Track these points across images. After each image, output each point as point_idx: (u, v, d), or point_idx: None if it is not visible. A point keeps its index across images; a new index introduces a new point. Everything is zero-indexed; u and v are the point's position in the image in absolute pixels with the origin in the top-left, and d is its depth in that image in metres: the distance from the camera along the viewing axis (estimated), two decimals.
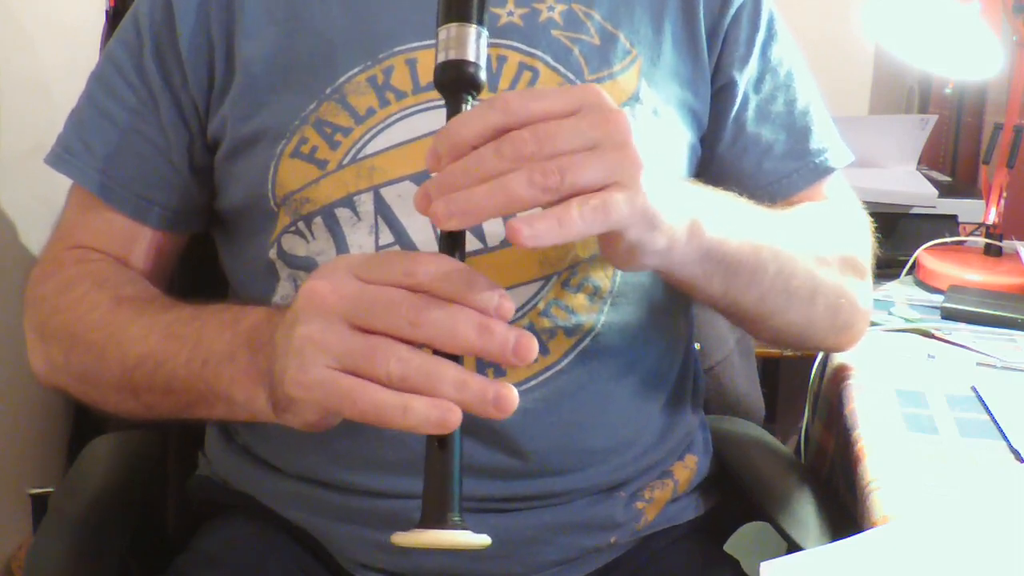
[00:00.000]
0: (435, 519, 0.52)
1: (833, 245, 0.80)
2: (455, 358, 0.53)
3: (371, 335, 0.53)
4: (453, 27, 0.56)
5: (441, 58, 0.57)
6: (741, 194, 0.74)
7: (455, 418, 0.52)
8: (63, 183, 0.83)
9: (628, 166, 0.55)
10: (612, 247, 0.61)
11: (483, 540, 0.53)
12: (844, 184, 0.89)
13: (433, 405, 0.52)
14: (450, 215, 0.52)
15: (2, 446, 1.19)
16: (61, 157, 0.81)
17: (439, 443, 0.54)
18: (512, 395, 0.52)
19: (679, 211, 0.62)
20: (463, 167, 0.53)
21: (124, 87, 0.80)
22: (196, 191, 0.82)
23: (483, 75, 0.57)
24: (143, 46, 0.79)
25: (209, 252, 0.87)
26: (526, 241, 0.51)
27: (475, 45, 0.56)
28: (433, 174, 0.55)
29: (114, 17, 1.11)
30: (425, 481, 0.54)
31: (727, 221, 0.68)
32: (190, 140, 0.80)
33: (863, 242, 0.85)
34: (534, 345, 0.53)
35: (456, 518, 0.53)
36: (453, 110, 0.57)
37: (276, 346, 0.59)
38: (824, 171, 0.85)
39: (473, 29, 0.56)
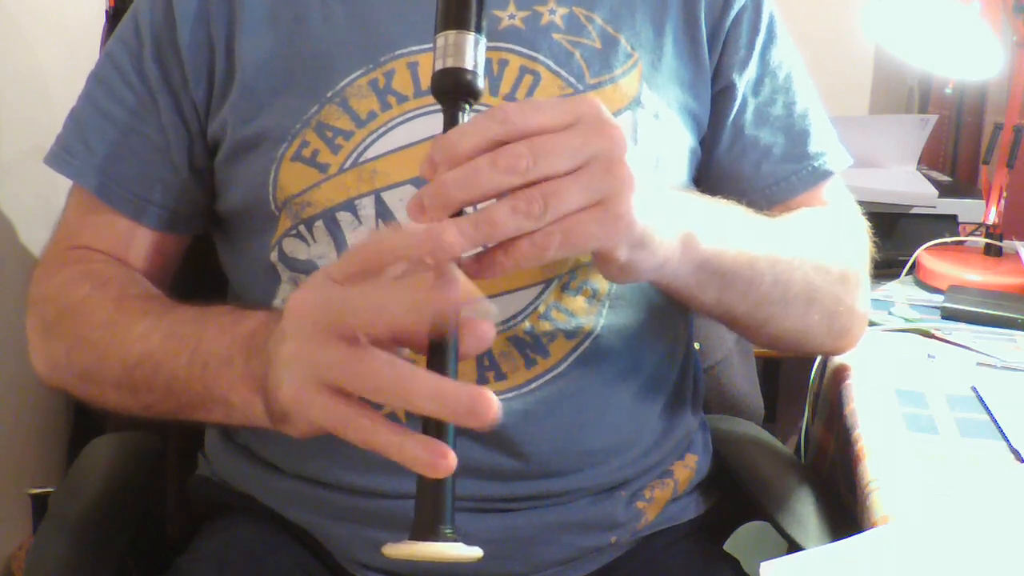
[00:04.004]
0: (427, 531, 0.52)
1: (830, 251, 0.80)
2: (444, 368, 0.53)
3: (350, 345, 0.52)
4: (451, 34, 0.56)
5: (439, 65, 0.57)
6: (739, 197, 0.74)
7: (446, 465, 0.51)
8: (63, 183, 0.83)
9: (618, 184, 0.55)
10: (604, 265, 0.61)
11: (474, 553, 0.53)
12: (843, 188, 0.88)
13: (426, 448, 0.51)
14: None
15: (2, 446, 1.19)
16: (60, 157, 0.81)
17: None
18: (492, 403, 0.50)
19: (673, 225, 0.62)
20: (457, 177, 0.53)
21: (124, 87, 0.80)
22: (196, 192, 0.82)
23: (480, 82, 0.57)
24: (143, 46, 0.79)
25: (209, 252, 0.87)
26: (475, 276, 0.52)
27: (473, 53, 0.56)
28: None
29: (114, 17, 1.11)
30: (417, 492, 0.53)
31: (723, 231, 0.68)
32: (190, 141, 0.80)
33: (860, 247, 0.85)
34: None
35: (448, 531, 0.52)
36: (450, 118, 0.57)
37: (269, 354, 0.59)
38: (822, 175, 0.85)
39: (471, 37, 0.56)
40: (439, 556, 0.52)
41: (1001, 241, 1.26)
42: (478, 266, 0.53)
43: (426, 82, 0.74)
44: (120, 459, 0.88)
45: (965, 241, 1.31)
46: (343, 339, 0.52)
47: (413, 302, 0.51)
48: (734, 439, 0.95)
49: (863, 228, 0.87)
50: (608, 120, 0.56)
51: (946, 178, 1.47)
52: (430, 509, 0.53)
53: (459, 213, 0.55)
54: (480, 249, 0.55)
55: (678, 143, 0.81)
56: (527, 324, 0.75)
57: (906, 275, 1.26)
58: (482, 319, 0.52)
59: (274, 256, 0.77)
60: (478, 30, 0.56)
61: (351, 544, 0.78)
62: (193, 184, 0.81)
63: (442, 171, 0.54)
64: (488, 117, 0.54)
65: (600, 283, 0.77)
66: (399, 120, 0.74)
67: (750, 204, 0.75)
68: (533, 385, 0.75)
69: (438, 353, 0.53)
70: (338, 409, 0.53)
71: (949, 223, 1.31)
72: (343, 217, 0.74)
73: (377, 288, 0.52)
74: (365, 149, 0.74)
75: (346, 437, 0.53)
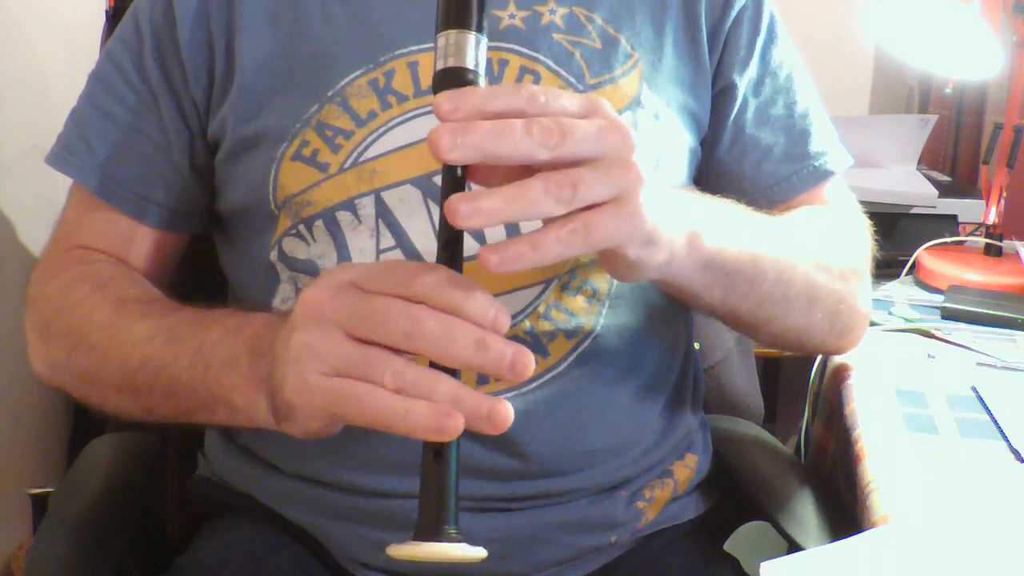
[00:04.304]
0: (431, 531, 0.52)
1: (832, 249, 0.80)
2: (452, 370, 0.53)
3: (368, 346, 0.54)
4: (452, 34, 0.56)
5: (440, 65, 0.56)
6: (740, 197, 0.74)
7: (454, 424, 0.51)
8: (63, 183, 0.83)
9: (630, 182, 0.55)
10: (612, 263, 0.61)
11: (478, 553, 0.53)
12: (844, 187, 0.88)
13: (433, 410, 0.52)
14: (471, 214, 0.51)
15: (2, 446, 1.19)
16: (61, 157, 0.81)
17: (435, 454, 0.54)
18: (506, 410, 0.52)
19: (678, 223, 0.62)
20: (495, 128, 0.51)
21: (124, 86, 0.80)
22: (196, 191, 0.82)
23: (482, 82, 0.57)
24: (143, 45, 0.79)
25: (209, 252, 0.87)
26: (494, 269, 0.52)
27: (474, 52, 0.56)
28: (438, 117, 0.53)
29: (114, 17, 1.11)
30: (421, 492, 0.54)
31: (726, 230, 0.68)
32: (190, 139, 0.80)
33: (862, 245, 0.85)
34: (530, 360, 0.53)
35: (452, 531, 0.52)
36: None
37: (276, 353, 0.59)
38: (823, 174, 0.85)
39: (472, 36, 0.56)
40: (444, 556, 0.52)
41: (1001, 241, 1.26)
42: (501, 257, 0.52)
43: (426, 82, 0.74)
44: (120, 459, 0.88)
45: (965, 241, 1.31)
46: (358, 340, 0.54)
47: (448, 349, 0.52)
48: (734, 439, 0.95)
49: (865, 227, 0.87)
50: (618, 119, 0.56)
51: (946, 178, 1.47)
52: (434, 509, 0.53)
53: (462, 183, 0.54)
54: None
55: (678, 143, 0.81)
56: (527, 324, 0.75)
57: (906, 275, 1.26)
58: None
59: (274, 255, 0.77)
60: (479, 30, 0.56)
61: (351, 544, 0.78)
62: (194, 183, 0.81)
63: (461, 115, 0.52)
64: (515, 89, 0.54)
65: (600, 283, 0.77)
66: (399, 120, 0.74)
67: (751, 204, 0.75)
68: (533, 385, 0.75)
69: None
70: (340, 386, 0.53)
71: (949, 223, 1.31)
72: (343, 216, 0.74)
73: (410, 317, 0.53)
74: (365, 149, 0.74)
75: (352, 414, 0.54)
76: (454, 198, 0.51)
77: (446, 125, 0.52)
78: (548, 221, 0.54)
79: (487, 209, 0.51)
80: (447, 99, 0.52)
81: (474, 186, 0.55)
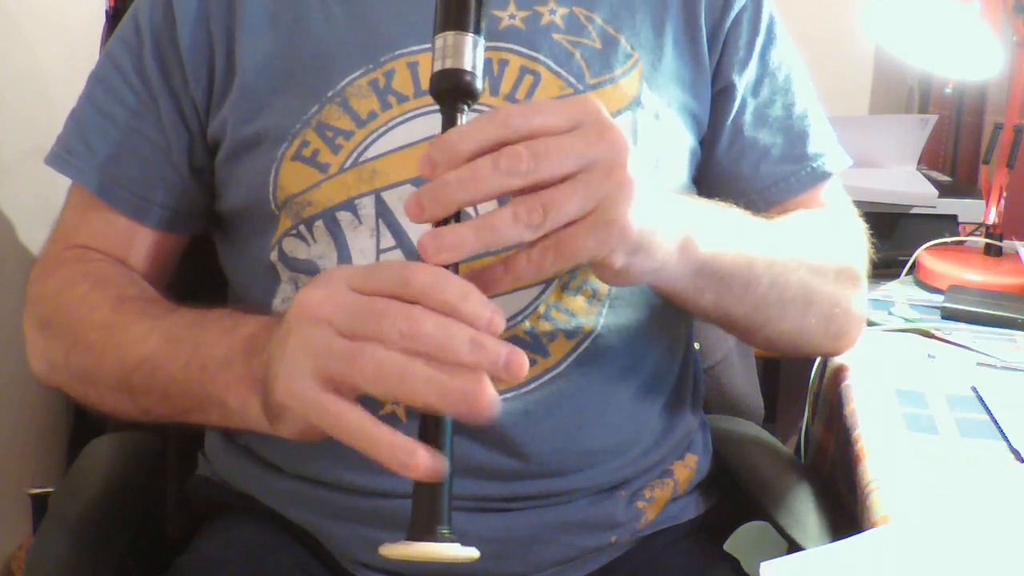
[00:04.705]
0: (424, 531, 0.53)
1: (827, 253, 0.80)
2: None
3: (355, 340, 0.53)
4: (450, 35, 0.56)
5: (437, 67, 0.57)
6: (738, 198, 0.74)
7: (427, 466, 0.51)
8: (63, 183, 0.83)
9: (615, 189, 0.55)
10: (600, 269, 0.61)
11: (471, 553, 0.53)
12: (841, 189, 0.88)
13: (400, 447, 0.51)
14: (438, 250, 0.53)
15: (2, 446, 1.19)
16: (61, 157, 0.81)
17: None
18: (490, 398, 0.51)
19: (671, 228, 0.62)
20: (459, 177, 0.53)
21: (124, 87, 0.80)
22: (196, 192, 0.82)
23: (479, 84, 0.57)
24: (143, 46, 0.79)
25: (209, 252, 0.87)
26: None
27: (471, 54, 0.56)
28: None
29: (114, 17, 1.11)
30: (414, 492, 0.54)
31: (721, 234, 0.68)
32: (190, 140, 0.80)
33: (858, 249, 0.85)
34: (525, 361, 0.53)
35: (445, 531, 0.53)
36: (449, 119, 0.58)
37: (271, 355, 0.59)
38: (821, 176, 0.85)
39: (470, 38, 0.56)
40: (436, 556, 0.52)
41: (1001, 241, 1.26)
42: (478, 282, 0.54)
43: (426, 82, 0.74)
44: (120, 459, 0.88)
45: (965, 241, 1.31)
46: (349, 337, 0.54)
47: (443, 348, 0.52)
48: (734, 439, 0.95)
49: (860, 230, 0.87)
50: (609, 123, 0.56)
51: (946, 178, 1.47)
52: (427, 509, 0.53)
53: (458, 216, 0.55)
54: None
55: (678, 143, 0.81)
56: (527, 324, 0.75)
57: (906, 275, 1.26)
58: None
59: (274, 256, 0.77)
60: (477, 31, 0.56)
61: (351, 544, 0.78)
62: (194, 184, 0.81)
63: (441, 171, 0.54)
64: (489, 119, 0.54)
65: (600, 283, 0.77)
66: (399, 120, 0.74)
67: (748, 205, 0.75)
68: (533, 385, 0.75)
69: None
70: (331, 404, 0.53)
71: (949, 223, 1.31)
72: (343, 217, 0.74)
73: (406, 316, 0.53)
74: (365, 149, 0.74)
75: (335, 432, 0.54)
76: (422, 237, 0.53)
77: (418, 191, 0.54)
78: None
79: (453, 244, 0.53)
80: (424, 160, 0.54)
81: None
